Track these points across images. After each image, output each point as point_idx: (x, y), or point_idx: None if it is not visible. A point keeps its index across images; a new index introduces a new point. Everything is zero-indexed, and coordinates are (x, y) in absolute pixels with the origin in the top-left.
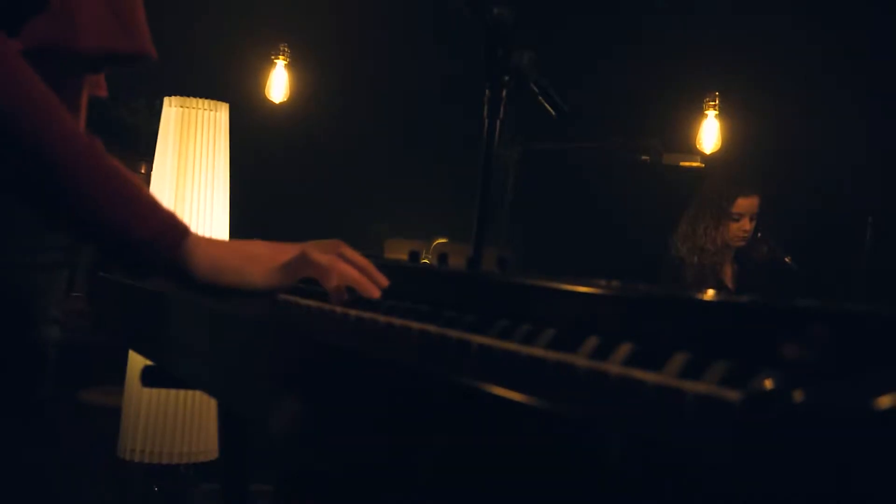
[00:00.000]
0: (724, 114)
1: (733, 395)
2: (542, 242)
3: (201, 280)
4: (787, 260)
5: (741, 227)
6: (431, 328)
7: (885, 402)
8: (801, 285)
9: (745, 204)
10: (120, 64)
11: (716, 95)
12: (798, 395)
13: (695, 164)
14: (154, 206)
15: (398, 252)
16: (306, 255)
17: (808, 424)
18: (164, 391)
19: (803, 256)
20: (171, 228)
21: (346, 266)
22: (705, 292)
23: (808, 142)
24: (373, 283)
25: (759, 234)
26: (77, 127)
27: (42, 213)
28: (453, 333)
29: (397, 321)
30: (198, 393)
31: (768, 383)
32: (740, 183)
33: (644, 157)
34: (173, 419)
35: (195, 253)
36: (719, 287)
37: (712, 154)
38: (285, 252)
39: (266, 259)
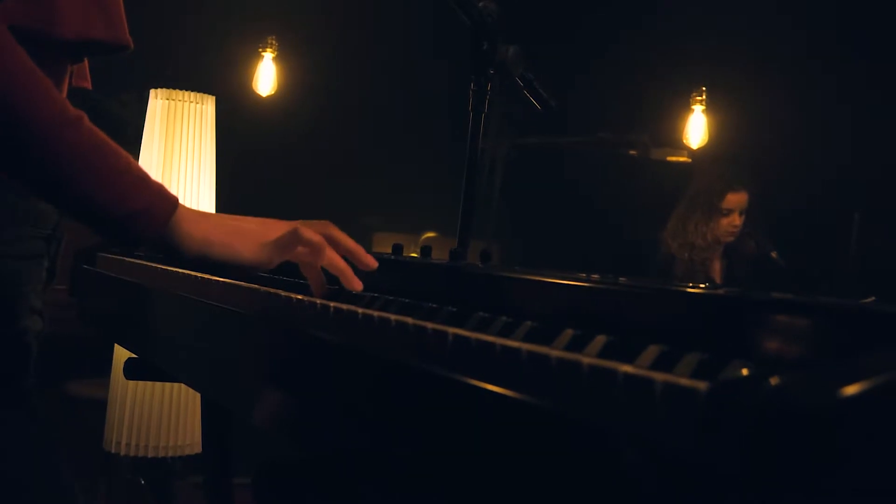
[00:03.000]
0: (710, 109)
1: (701, 385)
2: (531, 236)
3: (190, 254)
4: (773, 255)
5: (731, 223)
6: (409, 320)
7: (850, 390)
8: (787, 280)
9: (735, 199)
10: (97, 53)
11: (703, 90)
12: (767, 386)
13: (682, 158)
14: (143, 178)
15: (386, 246)
16: (298, 231)
17: (774, 414)
18: (150, 384)
19: (790, 252)
20: (161, 201)
21: (334, 253)
22: (682, 285)
23: (794, 137)
24: (356, 278)
25: (747, 230)
26: (65, 101)
27: (30, 187)
28: (430, 325)
29: (376, 313)
30: (184, 386)
31: (737, 374)
32: (730, 179)
33: (632, 152)
34: (159, 412)
35: (184, 226)
36: (707, 282)
37: (699, 149)
38: (276, 228)
39: (256, 234)
